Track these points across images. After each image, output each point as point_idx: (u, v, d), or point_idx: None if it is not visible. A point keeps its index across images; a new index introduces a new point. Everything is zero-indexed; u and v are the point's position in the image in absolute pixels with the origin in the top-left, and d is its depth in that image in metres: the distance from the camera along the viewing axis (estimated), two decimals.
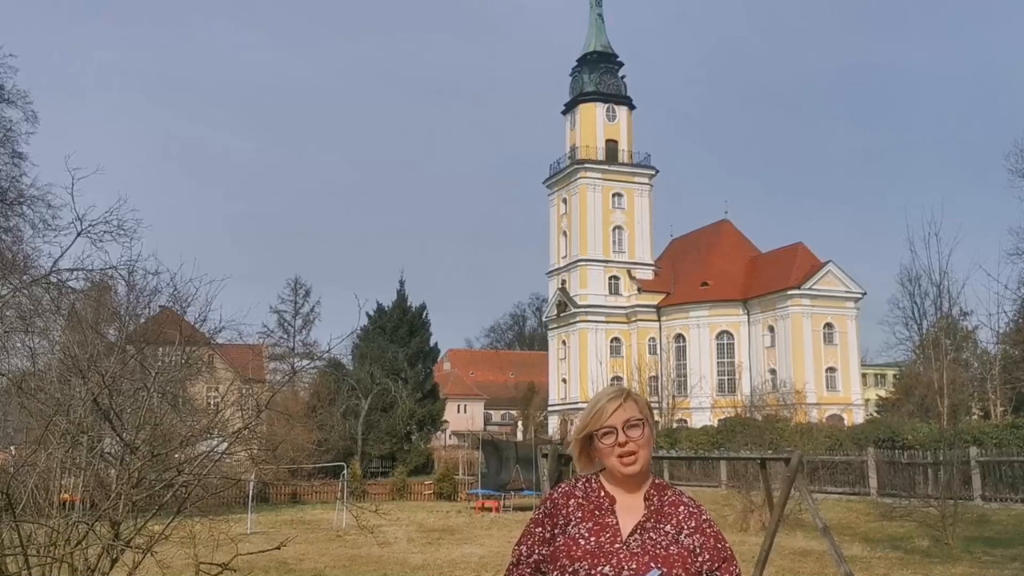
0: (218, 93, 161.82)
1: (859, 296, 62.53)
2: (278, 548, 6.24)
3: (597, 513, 2.32)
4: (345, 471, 25.38)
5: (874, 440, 27.47)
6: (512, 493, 26.11)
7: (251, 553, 5.98)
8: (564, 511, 2.34)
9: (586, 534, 2.28)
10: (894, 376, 63.26)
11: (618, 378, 64.53)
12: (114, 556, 5.38)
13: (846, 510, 22.48)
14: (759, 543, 8.13)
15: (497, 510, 24.61)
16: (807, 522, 15.35)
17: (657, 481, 2.38)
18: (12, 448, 9.31)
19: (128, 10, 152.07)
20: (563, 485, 2.45)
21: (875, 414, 52.13)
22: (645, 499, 2.33)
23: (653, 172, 71.97)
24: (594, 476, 2.41)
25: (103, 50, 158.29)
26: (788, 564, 13.27)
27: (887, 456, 25.73)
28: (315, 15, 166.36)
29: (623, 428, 2.31)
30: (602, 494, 2.35)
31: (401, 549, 15.95)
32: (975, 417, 41.77)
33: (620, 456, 2.31)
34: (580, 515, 2.32)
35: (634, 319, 68.64)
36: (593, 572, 2.21)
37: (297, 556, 14.42)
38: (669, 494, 2.36)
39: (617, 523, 2.29)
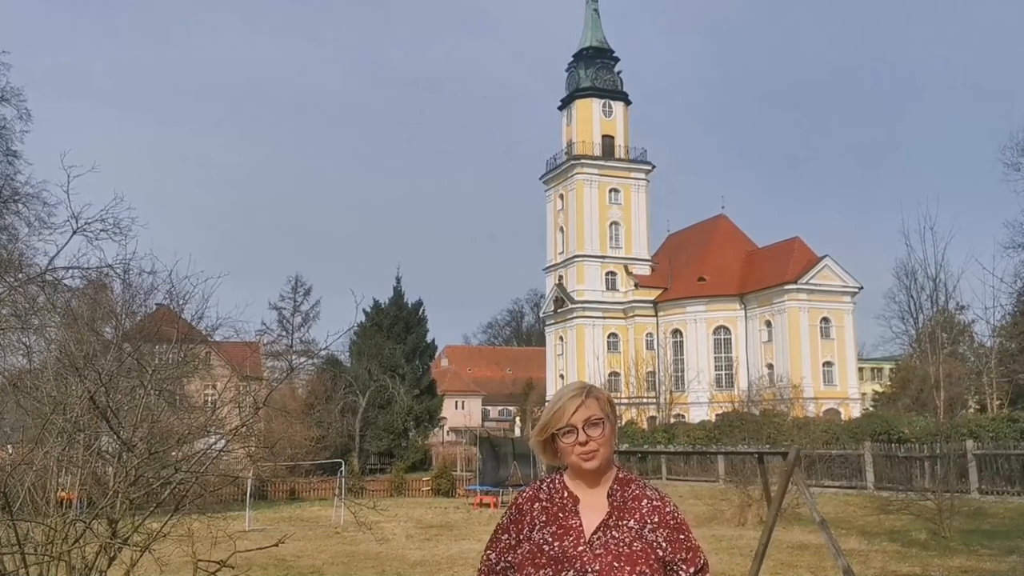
0: (216, 90, 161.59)
1: (856, 290, 62.59)
2: (276, 545, 6.22)
3: (560, 515, 2.34)
4: (343, 468, 25.38)
5: (871, 434, 27.53)
6: (510, 489, 26.13)
7: (249, 550, 5.96)
8: (529, 516, 2.38)
9: (550, 539, 2.31)
10: (891, 370, 63.44)
11: (615, 374, 64.58)
12: (112, 554, 5.36)
13: (843, 504, 22.52)
14: (757, 537, 8.14)
15: (495, 506, 24.62)
16: (805, 516, 15.40)
17: (621, 475, 2.41)
18: (9, 446, 9.29)
19: (123, 6, 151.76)
20: (528, 489, 2.48)
21: (872, 408, 52.22)
22: (608, 496, 2.36)
23: (650, 167, 71.98)
24: (558, 476, 2.44)
25: (100, 48, 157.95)
26: (786, 558, 13.29)
27: (884, 450, 25.82)
28: (312, 11, 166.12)
29: (583, 427, 2.33)
30: (565, 495, 2.38)
31: (399, 545, 15.96)
32: (971, 411, 41.89)
33: (580, 454, 2.34)
34: (544, 519, 2.35)
35: (631, 314, 68.67)
36: None
37: (295, 553, 14.43)
38: (633, 488, 2.38)
39: (580, 524, 2.32)
